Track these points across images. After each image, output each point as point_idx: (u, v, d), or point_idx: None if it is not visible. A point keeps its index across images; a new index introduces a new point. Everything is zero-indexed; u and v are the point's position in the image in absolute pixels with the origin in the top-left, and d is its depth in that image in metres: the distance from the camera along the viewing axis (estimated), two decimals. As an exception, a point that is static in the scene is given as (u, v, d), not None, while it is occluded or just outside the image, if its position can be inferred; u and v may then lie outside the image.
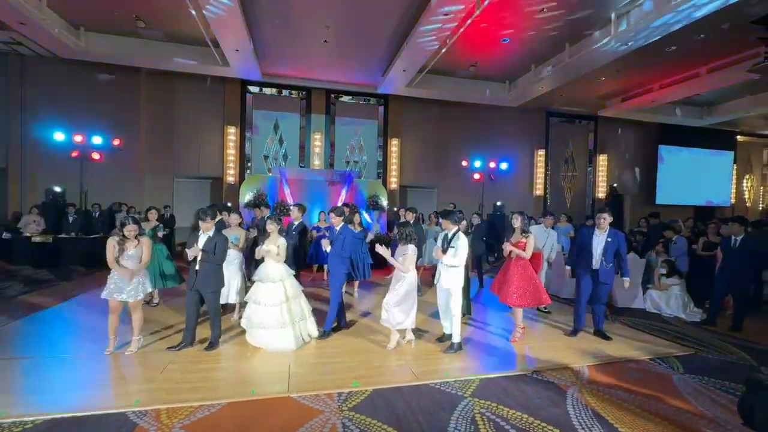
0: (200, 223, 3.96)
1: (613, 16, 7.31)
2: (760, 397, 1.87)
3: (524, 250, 4.38)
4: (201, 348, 3.97)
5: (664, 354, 4.19)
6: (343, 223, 4.59)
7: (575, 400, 3.14)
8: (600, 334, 4.64)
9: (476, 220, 6.84)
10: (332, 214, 4.61)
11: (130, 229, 3.76)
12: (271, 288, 4.02)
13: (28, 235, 8.19)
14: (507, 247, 4.48)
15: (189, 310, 3.98)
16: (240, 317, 4.35)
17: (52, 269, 7.72)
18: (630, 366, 3.87)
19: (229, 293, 4.76)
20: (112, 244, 3.73)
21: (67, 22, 8.23)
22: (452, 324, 4.07)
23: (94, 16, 8.08)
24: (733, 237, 5.18)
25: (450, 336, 4.16)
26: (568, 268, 5.09)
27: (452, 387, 3.31)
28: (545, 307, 5.43)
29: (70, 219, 8.65)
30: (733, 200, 16.06)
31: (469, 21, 7.09)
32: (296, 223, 5.58)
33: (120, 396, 3.03)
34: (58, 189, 9.48)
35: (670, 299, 5.82)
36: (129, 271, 3.72)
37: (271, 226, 4.25)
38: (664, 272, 6.00)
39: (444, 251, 3.99)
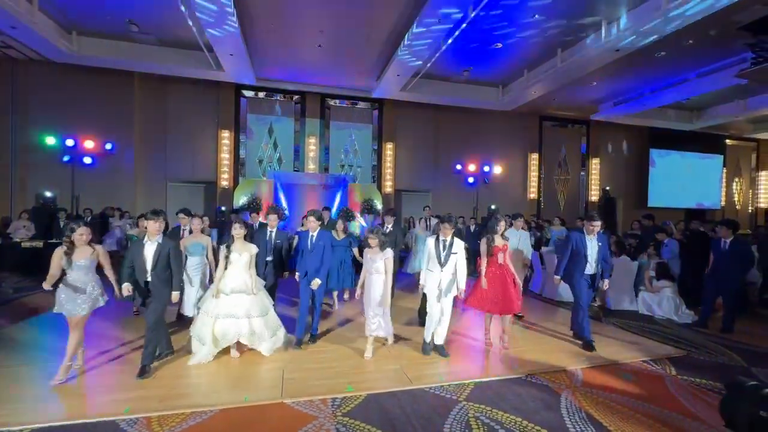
0: (150, 223, 3.43)
1: (603, 22, 7.43)
2: (741, 399, 1.90)
3: (505, 253, 4.30)
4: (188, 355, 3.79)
5: (656, 356, 4.22)
6: (320, 228, 4.18)
7: (569, 402, 3.15)
8: (588, 343, 4.37)
9: (472, 226, 6.80)
10: (311, 218, 4.12)
11: (81, 233, 3.21)
12: (240, 300, 3.70)
13: (17, 240, 8.06)
14: (483, 262, 4.27)
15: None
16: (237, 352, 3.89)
17: (42, 275, 7.59)
18: (623, 368, 3.89)
19: (187, 305, 4.41)
20: (59, 254, 3.20)
21: (60, 26, 8.18)
22: (443, 329, 4.02)
23: (87, 19, 8.04)
24: (722, 240, 5.25)
25: (441, 345, 4.06)
26: (557, 276, 4.62)
27: (446, 391, 3.30)
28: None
29: (61, 224, 8.54)
30: (723, 203, 16.29)
31: (462, 26, 7.17)
32: (272, 231, 4.52)
33: (109, 404, 2.97)
34: (48, 194, 9.37)
35: (662, 301, 5.87)
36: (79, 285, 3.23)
37: (238, 231, 3.78)
38: (653, 274, 6.06)
39: (446, 258, 3.89)
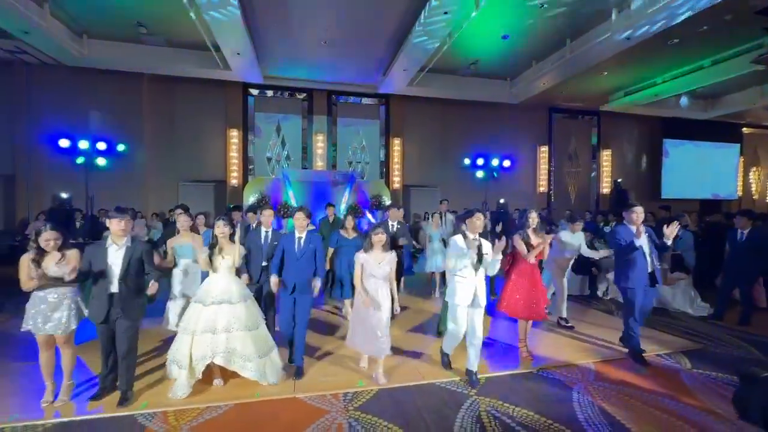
0: (111, 222, 2.89)
1: (614, 9, 7.27)
2: (755, 391, 1.87)
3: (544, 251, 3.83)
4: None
5: (671, 349, 4.16)
6: (309, 228, 3.61)
7: (581, 396, 3.13)
8: (639, 359, 3.82)
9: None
10: (299, 215, 3.50)
11: (48, 238, 2.77)
12: (221, 311, 3.09)
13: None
14: (520, 246, 3.77)
15: (105, 349, 2.99)
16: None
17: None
18: (637, 362, 3.84)
19: (171, 318, 3.85)
20: (26, 262, 2.76)
21: (70, 30, 8.31)
22: (477, 349, 3.36)
23: (96, 22, 8.15)
24: (739, 231, 5.13)
25: (474, 371, 3.38)
26: (631, 288, 3.80)
27: (457, 386, 3.31)
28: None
29: (77, 225, 8.74)
30: (739, 193, 15.90)
31: (469, 20, 7.08)
32: (268, 232, 4.04)
33: (127, 399, 3.04)
34: (64, 195, 9.58)
35: (676, 294, 5.78)
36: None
37: (223, 229, 3.25)
38: (667, 267, 5.96)
39: (480, 259, 3.29)
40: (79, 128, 9.68)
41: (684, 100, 11.57)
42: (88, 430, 2.64)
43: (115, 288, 2.88)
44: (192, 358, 3.03)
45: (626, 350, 4.04)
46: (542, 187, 13.59)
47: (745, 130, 15.77)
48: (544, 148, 13.58)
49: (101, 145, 9.61)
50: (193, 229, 4.30)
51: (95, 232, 8.88)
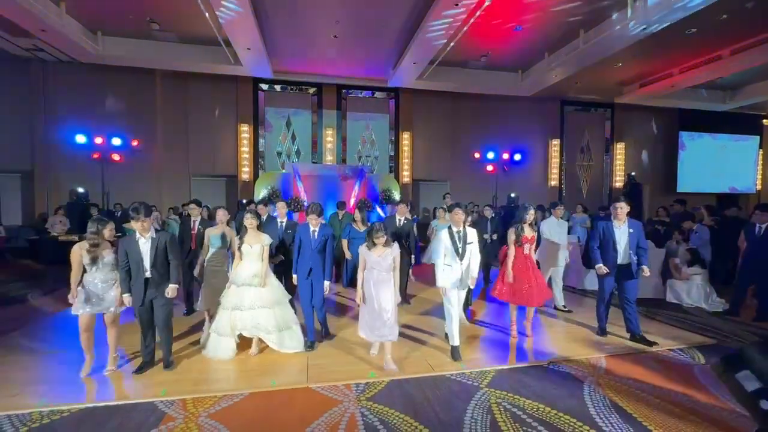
0: (133, 222, 3.24)
1: (629, -1, 7.09)
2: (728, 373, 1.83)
3: (532, 245, 4.19)
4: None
5: (684, 344, 4.12)
6: (321, 223, 3.93)
7: (593, 390, 3.13)
8: (640, 339, 4.11)
9: (489, 213, 6.67)
10: (311, 215, 3.83)
11: (111, 229, 3.29)
12: (248, 292, 3.68)
13: (54, 234, 8.53)
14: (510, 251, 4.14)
15: (144, 328, 3.41)
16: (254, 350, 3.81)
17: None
18: (649, 357, 3.82)
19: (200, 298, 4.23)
20: (78, 252, 3.18)
21: (85, 27, 8.45)
22: (457, 326, 3.74)
23: (110, 19, 8.27)
24: (757, 225, 5.03)
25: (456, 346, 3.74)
26: (598, 265, 4.18)
27: (468, 378, 3.34)
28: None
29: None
30: (758, 186, 15.47)
31: (479, 11, 7.00)
32: (282, 222, 4.74)
33: (146, 387, 3.16)
34: (81, 190, 9.82)
35: (691, 289, 5.70)
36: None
37: (251, 221, 3.73)
38: (679, 261, 5.88)
39: (464, 250, 3.63)
40: (94, 124, 9.89)
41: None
42: (111, 416, 2.75)
43: (148, 273, 3.31)
44: (231, 328, 3.64)
45: (636, 344, 4.06)
46: (554, 181, 13.43)
47: (765, 121, 15.29)
48: (556, 142, 13.39)
49: (116, 141, 9.82)
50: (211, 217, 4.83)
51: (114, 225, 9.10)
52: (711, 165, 14.50)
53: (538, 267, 4.40)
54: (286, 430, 2.60)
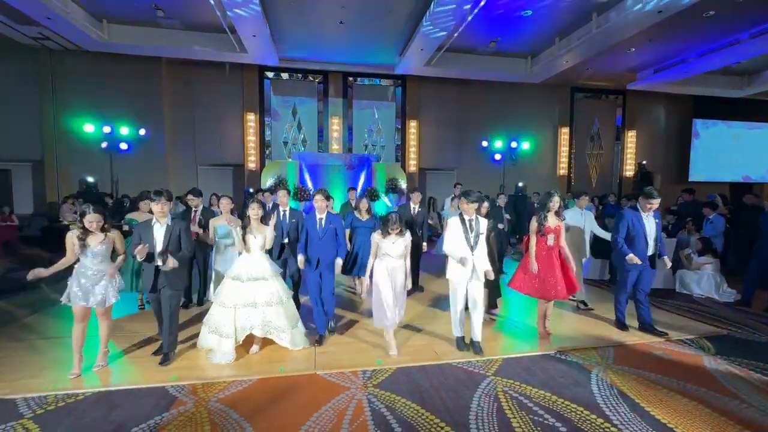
0: (153, 205, 3.18)
1: (645, -20, 6.86)
2: None
3: (558, 236, 3.87)
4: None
5: (694, 335, 4.08)
6: (328, 210, 3.81)
7: (600, 379, 3.12)
8: (650, 328, 4.06)
9: (503, 200, 6.55)
10: (318, 197, 3.75)
11: (90, 220, 2.98)
12: (256, 287, 3.43)
13: (66, 223, 8.65)
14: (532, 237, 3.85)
15: (157, 313, 3.39)
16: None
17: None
18: (658, 347, 3.79)
19: (210, 290, 4.15)
20: (71, 239, 3.02)
21: (90, 15, 8.41)
22: (479, 320, 3.57)
23: (115, 6, 8.21)
24: (772, 214, 4.91)
25: (478, 341, 3.58)
26: (630, 255, 3.90)
27: (475, 366, 3.34)
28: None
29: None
30: (773, 176, 15.11)
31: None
32: (285, 211, 4.35)
33: (157, 373, 3.20)
34: (90, 179, 9.92)
35: (702, 279, 5.62)
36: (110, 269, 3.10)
37: (257, 211, 3.53)
38: (690, 252, 5.79)
39: (476, 241, 3.46)
40: (102, 113, 9.92)
41: None
42: (122, 400, 2.81)
43: (159, 261, 3.18)
44: (236, 329, 3.38)
45: (646, 334, 4.02)
46: (563, 169, 13.25)
47: (783, 108, 14.84)
48: (565, 129, 13.16)
49: (124, 130, 9.85)
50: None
51: (120, 216, 9.19)
52: (725, 153, 14.18)
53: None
54: (294, 415, 2.63)
